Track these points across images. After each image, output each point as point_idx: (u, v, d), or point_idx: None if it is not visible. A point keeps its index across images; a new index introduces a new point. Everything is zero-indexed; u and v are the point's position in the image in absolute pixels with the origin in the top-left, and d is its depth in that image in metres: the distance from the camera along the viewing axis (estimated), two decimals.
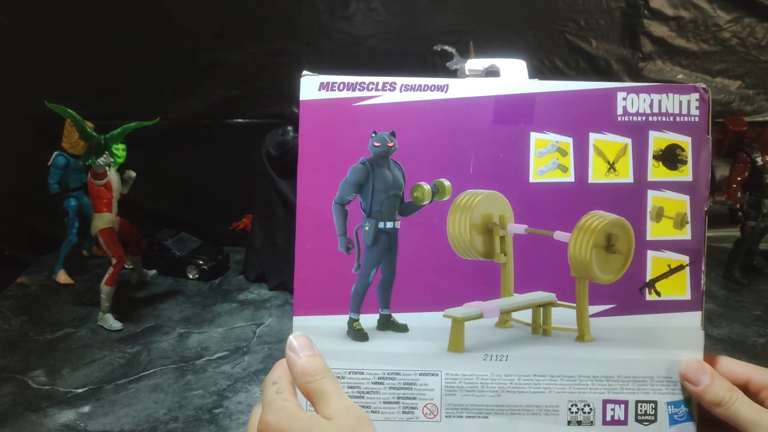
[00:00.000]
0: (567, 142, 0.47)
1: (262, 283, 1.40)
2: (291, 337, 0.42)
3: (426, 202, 0.46)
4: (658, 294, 0.49)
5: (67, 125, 1.31)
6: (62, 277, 1.41)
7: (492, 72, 0.50)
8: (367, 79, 0.45)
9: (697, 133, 0.47)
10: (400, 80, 0.45)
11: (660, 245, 0.48)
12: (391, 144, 0.45)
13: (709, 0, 1.58)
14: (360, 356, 0.47)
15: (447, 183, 0.46)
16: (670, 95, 0.46)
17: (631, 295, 0.49)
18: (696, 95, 0.47)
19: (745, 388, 0.43)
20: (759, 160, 1.35)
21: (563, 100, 0.46)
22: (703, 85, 0.46)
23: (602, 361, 0.49)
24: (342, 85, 0.45)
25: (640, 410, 0.49)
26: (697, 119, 0.47)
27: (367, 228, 0.47)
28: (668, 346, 0.49)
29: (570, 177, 0.47)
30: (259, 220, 1.44)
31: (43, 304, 1.31)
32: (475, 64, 0.50)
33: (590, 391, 0.49)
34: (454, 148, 0.46)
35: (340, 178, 0.46)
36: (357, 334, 0.47)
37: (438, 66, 1.50)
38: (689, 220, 0.48)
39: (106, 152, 1.18)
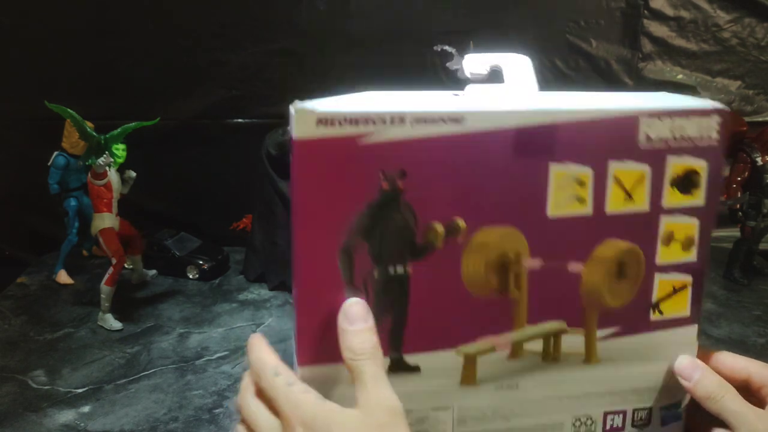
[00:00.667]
0: (586, 173, 0.44)
1: (262, 283, 1.40)
2: (347, 304, 0.40)
3: (439, 244, 0.43)
4: (661, 313, 0.49)
5: (67, 125, 1.31)
6: (62, 277, 1.41)
7: (495, 72, 0.47)
8: (372, 112, 0.39)
9: (714, 157, 0.45)
10: (410, 114, 0.40)
11: (667, 268, 0.48)
12: (400, 184, 0.41)
13: (709, 0, 1.58)
14: None
15: (461, 223, 0.43)
16: (692, 119, 0.44)
17: (636, 316, 0.48)
18: (717, 118, 0.44)
19: (746, 385, 0.43)
20: (759, 160, 1.35)
21: (585, 129, 0.43)
22: (726, 107, 0.44)
23: (606, 378, 0.49)
24: (344, 120, 0.39)
25: (637, 417, 0.50)
26: (716, 143, 0.45)
27: (376, 275, 0.43)
28: (665, 358, 0.49)
29: (587, 209, 0.45)
30: (259, 220, 1.44)
31: (43, 304, 1.31)
32: (476, 65, 0.47)
33: (593, 406, 0.50)
34: (470, 184, 0.42)
35: (344, 225, 0.41)
36: None
37: (438, 66, 1.50)
38: (696, 242, 0.47)
39: (106, 152, 1.18)
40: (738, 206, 1.38)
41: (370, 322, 0.40)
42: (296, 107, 0.39)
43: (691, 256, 0.47)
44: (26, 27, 1.48)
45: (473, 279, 0.45)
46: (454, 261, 0.44)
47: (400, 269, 0.43)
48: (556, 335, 0.48)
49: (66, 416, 0.94)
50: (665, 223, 0.47)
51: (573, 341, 0.48)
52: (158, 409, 0.96)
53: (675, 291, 0.48)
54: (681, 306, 0.49)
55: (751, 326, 1.22)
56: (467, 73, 0.46)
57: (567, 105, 0.44)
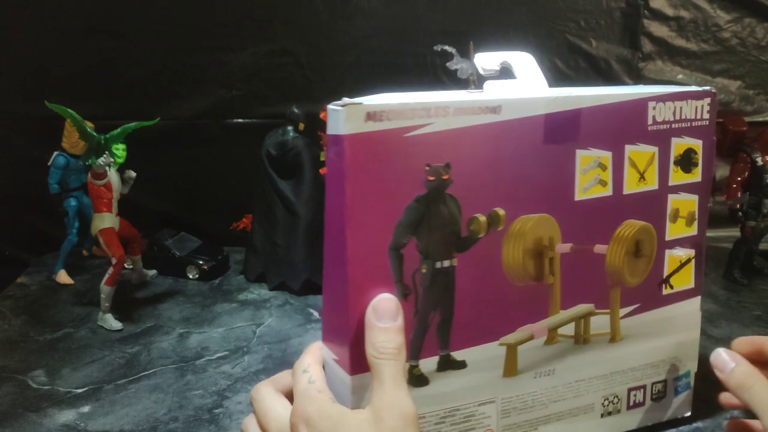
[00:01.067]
0: (607, 156, 0.47)
1: (262, 283, 1.40)
2: (378, 299, 0.39)
3: (482, 235, 0.44)
4: (672, 287, 0.52)
5: (67, 125, 1.31)
6: (62, 277, 1.41)
7: (505, 69, 0.48)
8: (418, 105, 0.39)
9: (707, 136, 0.49)
10: (453, 104, 0.40)
11: (675, 244, 0.51)
12: (446, 177, 0.41)
13: (709, 0, 1.58)
14: (421, 401, 0.45)
15: (501, 212, 0.44)
16: (689, 102, 0.47)
17: (651, 292, 0.51)
18: (708, 100, 0.48)
19: None
20: (759, 160, 1.35)
21: (603, 114, 0.45)
22: (714, 89, 0.48)
23: (629, 355, 0.52)
24: (391, 114, 0.39)
25: (654, 390, 0.54)
26: (707, 123, 0.49)
27: (424, 271, 0.42)
28: (676, 330, 0.53)
29: (608, 191, 0.47)
30: (259, 220, 1.44)
31: (43, 304, 1.31)
32: (488, 62, 0.48)
33: (618, 384, 0.52)
34: (508, 173, 0.43)
35: (394, 221, 0.41)
36: (417, 380, 0.45)
37: (438, 66, 1.50)
38: (697, 217, 0.51)
39: (106, 152, 1.18)
40: (738, 206, 1.38)
41: (399, 321, 0.39)
42: (345, 103, 0.38)
43: (693, 230, 0.52)
44: (26, 27, 1.48)
45: (513, 267, 0.46)
46: (495, 251, 0.45)
47: (446, 263, 0.43)
48: (586, 318, 0.50)
49: (66, 416, 0.94)
50: (672, 200, 0.50)
51: (599, 322, 0.50)
52: (158, 409, 0.96)
53: (682, 265, 0.52)
54: (687, 278, 0.53)
55: (751, 326, 1.22)
56: (480, 70, 0.46)
57: (586, 92, 0.45)
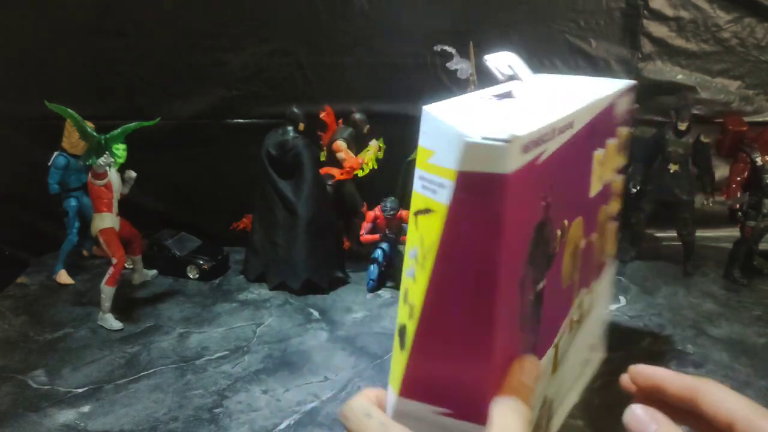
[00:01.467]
0: (603, 152, 0.49)
1: (262, 283, 1.40)
2: (530, 361, 0.37)
3: (558, 249, 0.43)
4: (608, 255, 0.57)
5: (67, 125, 1.31)
6: (62, 277, 1.41)
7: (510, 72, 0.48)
8: (549, 128, 0.36)
9: (629, 122, 0.54)
10: (557, 124, 0.38)
11: (613, 219, 0.56)
12: (550, 200, 0.39)
13: (709, 0, 1.58)
14: None
15: (566, 223, 0.44)
16: (629, 94, 0.52)
17: (602, 263, 0.56)
18: (633, 91, 0.53)
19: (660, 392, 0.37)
20: (759, 160, 1.35)
21: (606, 112, 0.48)
22: (635, 81, 0.53)
23: (593, 321, 0.57)
24: (533, 144, 0.34)
25: (598, 342, 0.60)
26: (630, 112, 0.53)
27: (531, 297, 0.40)
28: (606, 289, 0.59)
29: (600, 185, 0.50)
30: (259, 220, 1.44)
31: (43, 304, 1.31)
32: (501, 65, 0.48)
33: (588, 348, 0.57)
34: (571, 183, 0.44)
35: (524, 258, 0.37)
36: None
37: (438, 66, 1.50)
38: (620, 193, 0.56)
39: (107, 152, 1.18)
40: (738, 206, 1.38)
41: (530, 399, 0.37)
42: (510, 136, 0.32)
43: (619, 204, 0.57)
44: (26, 27, 1.48)
45: (566, 271, 0.47)
46: (557, 261, 0.46)
47: (542, 284, 0.42)
48: (583, 300, 0.53)
49: (66, 416, 0.94)
50: (613, 182, 0.54)
51: (588, 300, 0.54)
52: (158, 409, 0.96)
53: (613, 236, 0.57)
54: (613, 246, 0.57)
55: (751, 326, 1.22)
56: (498, 75, 0.46)
57: (595, 92, 0.47)
